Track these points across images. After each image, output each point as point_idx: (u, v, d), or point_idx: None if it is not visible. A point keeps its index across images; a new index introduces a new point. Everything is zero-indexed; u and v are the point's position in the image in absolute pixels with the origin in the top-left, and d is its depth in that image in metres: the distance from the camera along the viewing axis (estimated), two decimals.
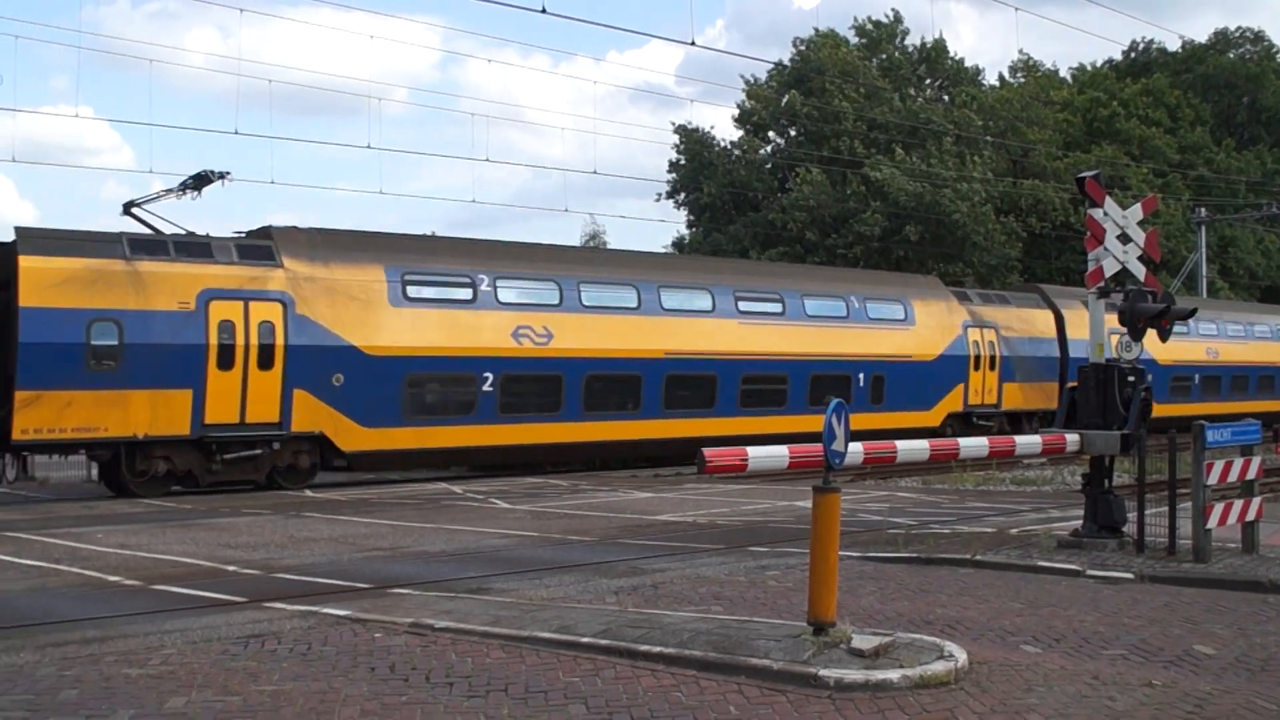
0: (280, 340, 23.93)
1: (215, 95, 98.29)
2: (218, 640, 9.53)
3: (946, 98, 56.85)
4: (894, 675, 7.84)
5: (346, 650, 9.09)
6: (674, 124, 57.47)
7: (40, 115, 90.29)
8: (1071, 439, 13.71)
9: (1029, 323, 38.26)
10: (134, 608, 11.19)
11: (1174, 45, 71.24)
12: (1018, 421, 36.71)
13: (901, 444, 12.43)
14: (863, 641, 8.38)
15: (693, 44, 69.50)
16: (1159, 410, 30.51)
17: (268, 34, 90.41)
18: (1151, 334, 14.28)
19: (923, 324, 35.09)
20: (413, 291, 26.26)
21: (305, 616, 10.42)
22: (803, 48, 56.81)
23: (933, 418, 34.66)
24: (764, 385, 31.29)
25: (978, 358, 35.84)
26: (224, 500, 22.05)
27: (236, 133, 39.00)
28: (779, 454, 10.67)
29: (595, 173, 43.00)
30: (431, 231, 28.37)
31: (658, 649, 8.64)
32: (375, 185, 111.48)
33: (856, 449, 10.46)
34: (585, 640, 9.03)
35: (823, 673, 7.85)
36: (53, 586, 12.58)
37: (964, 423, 35.11)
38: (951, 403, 35.29)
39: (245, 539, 16.31)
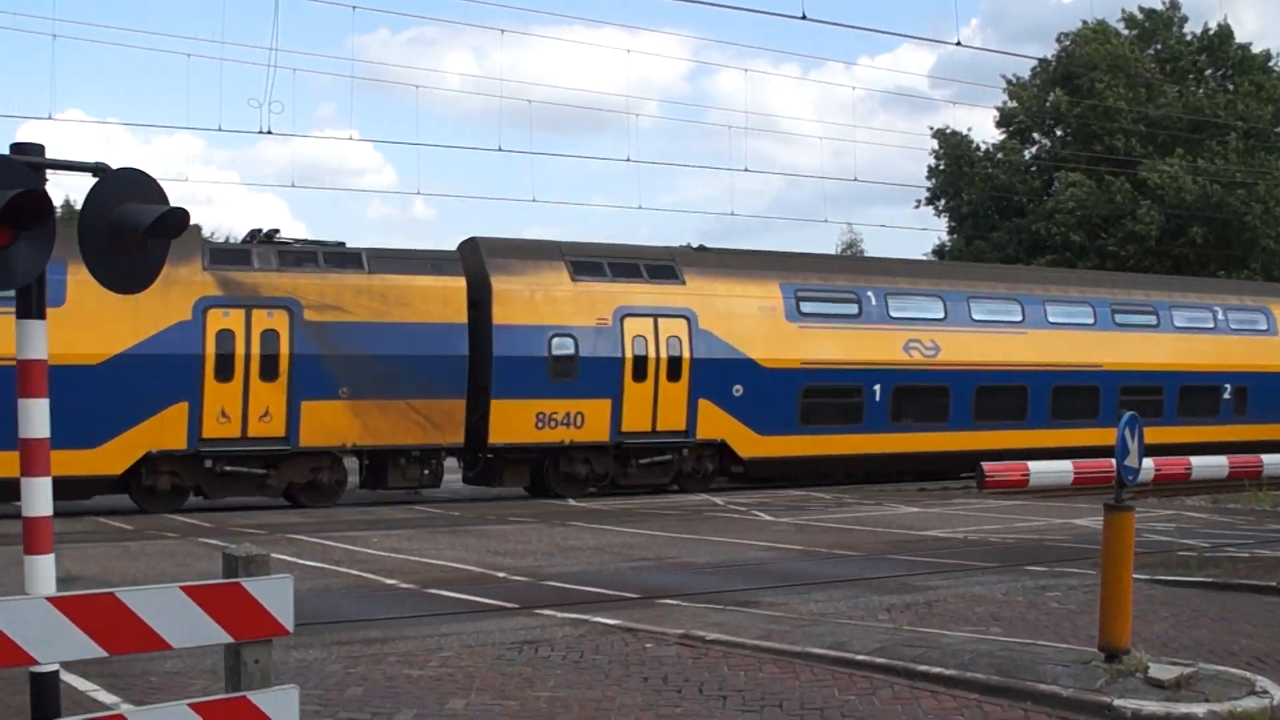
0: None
1: (474, 115, 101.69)
2: (492, 645, 9.66)
3: (1231, 87, 53.34)
4: (1199, 710, 7.23)
5: (618, 659, 9.07)
6: (932, 128, 55.78)
7: (311, 140, 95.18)
8: None
9: None
10: (412, 610, 11.50)
11: None
12: None
13: (1196, 460, 11.66)
14: (1161, 671, 7.77)
15: (958, 44, 66.77)
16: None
17: (523, 53, 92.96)
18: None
19: None
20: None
21: (576, 624, 10.47)
22: (1068, 43, 54.45)
23: None
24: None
25: None
26: (491, 508, 22.62)
27: (500, 149, 39.83)
28: (1062, 469, 10.09)
29: (856, 179, 42.24)
30: (687, 243, 28.66)
31: (937, 669, 8.27)
32: (631, 198, 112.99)
33: (1148, 465, 9.79)
34: (861, 658, 8.73)
35: (1118, 702, 7.32)
36: (335, 587, 13.07)
37: None
38: None
39: (513, 546, 16.63)
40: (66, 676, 7.52)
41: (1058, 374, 30.10)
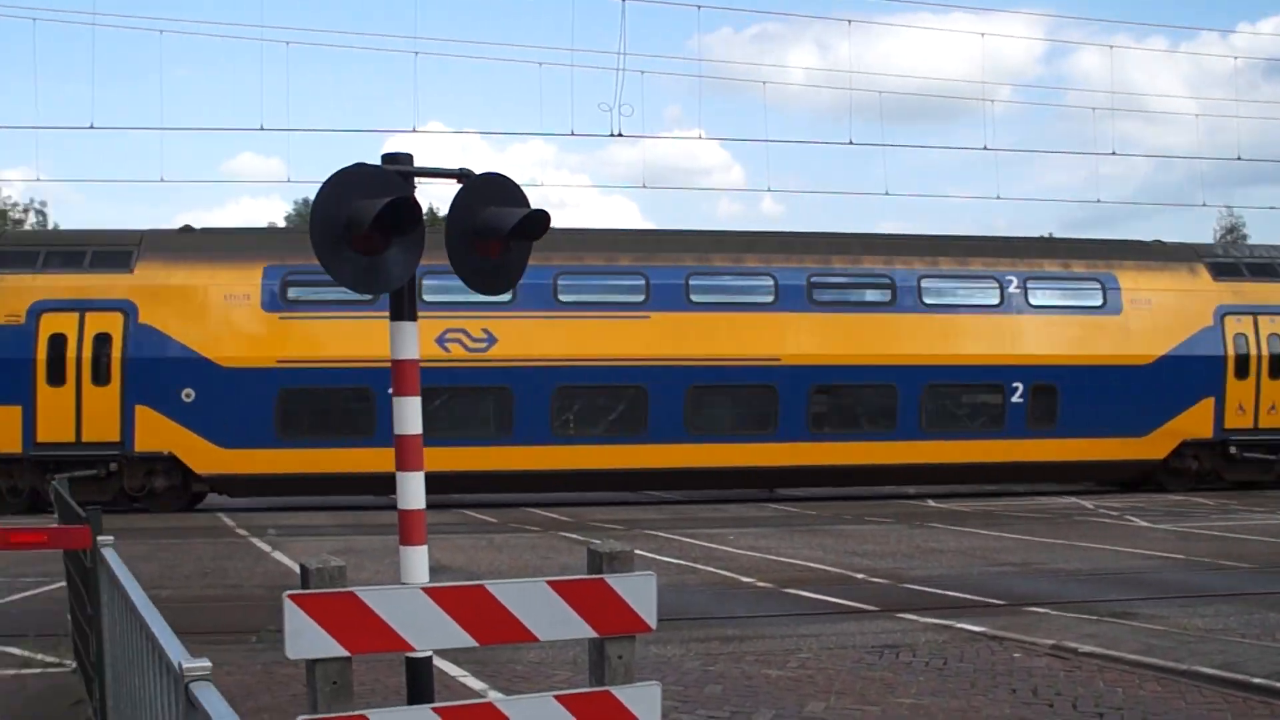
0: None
1: (822, 109, 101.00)
2: (852, 648, 9.44)
3: None
4: None
5: (984, 668, 8.65)
6: None
7: (660, 140, 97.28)
8: None
9: None
10: (769, 609, 11.43)
11: None
12: None
13: None
14: None
15: None
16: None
17: (871, 44, 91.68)
18: None
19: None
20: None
21: (939, 630, 10.10)
22: None
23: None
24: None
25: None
26: (847, 508, 22.30)
27: (850, 143, 39.27)
28: None
29: (1239, 158, 39.00)
30: (1049, 234, 27.14)
31: None
32: (988, 188, 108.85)
33: None
34: (1257, 681, 7.97)
35: None
36: (691, 584, 13.17)
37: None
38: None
39: (871, 547, 16.30)
40: (438, 662, 7.85)
41: (695, 370, 23.51)
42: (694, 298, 23.85)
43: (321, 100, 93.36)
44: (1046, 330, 25.16)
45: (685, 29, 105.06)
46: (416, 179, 5.88)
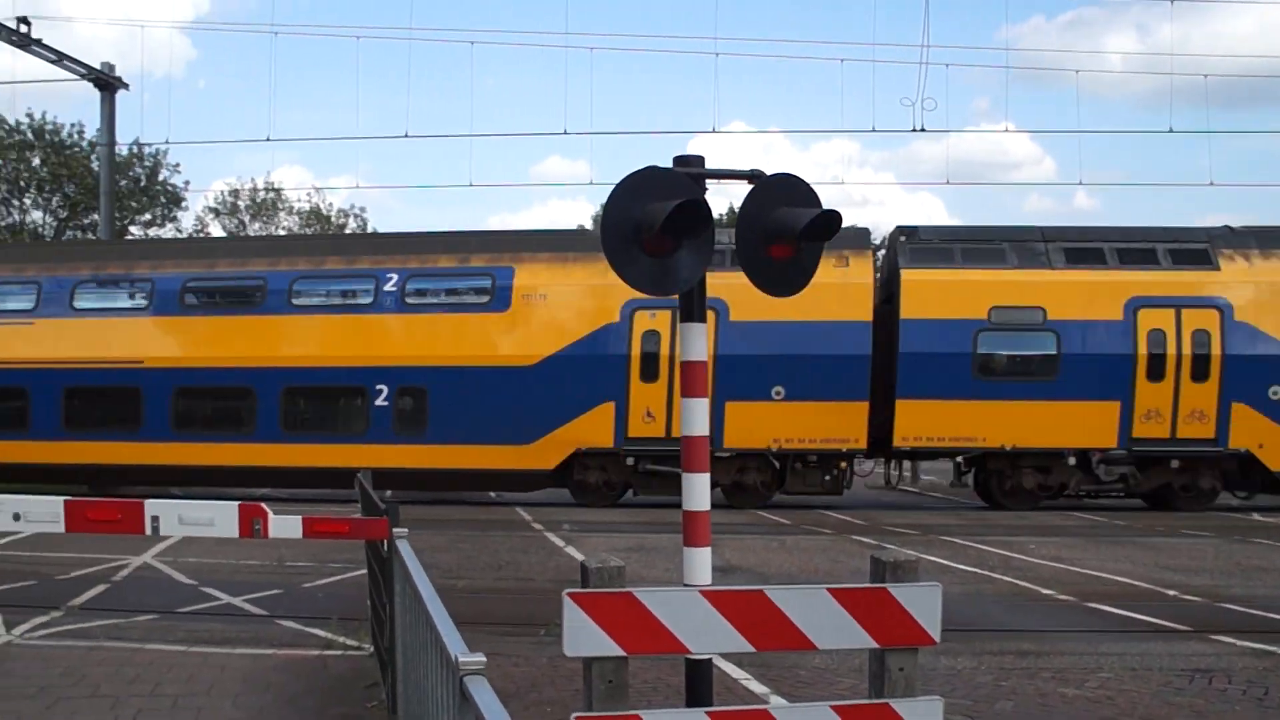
0: None
1: (1141, 97, 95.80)
2: (1159, 670, 8.88)
3: None
4: None
5: None
6: None
7: (965, 135, 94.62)
8: None
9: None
10: (1068, 624, 10.91)
11: None
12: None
13: None
14: None
15: None
16: None
17: (1195, 25, 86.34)
18: None
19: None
20: None
21: (1259, 655, 9.38)
22: None
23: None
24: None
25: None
26: (1159, 519, 21.10)
27: (1170, 130, 37.04)
28: None
29: None
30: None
31: None
32: None
33: None
34: None
35: None
36: (987, 593, 12.72)
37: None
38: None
39: (1184, 562, 15.34)
40: (720, 663, 7.86)
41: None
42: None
43: (624, 103, 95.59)
44: (421, 330, 23.28)
45: (992, 19, 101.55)
46: (709, 180, 5.90)
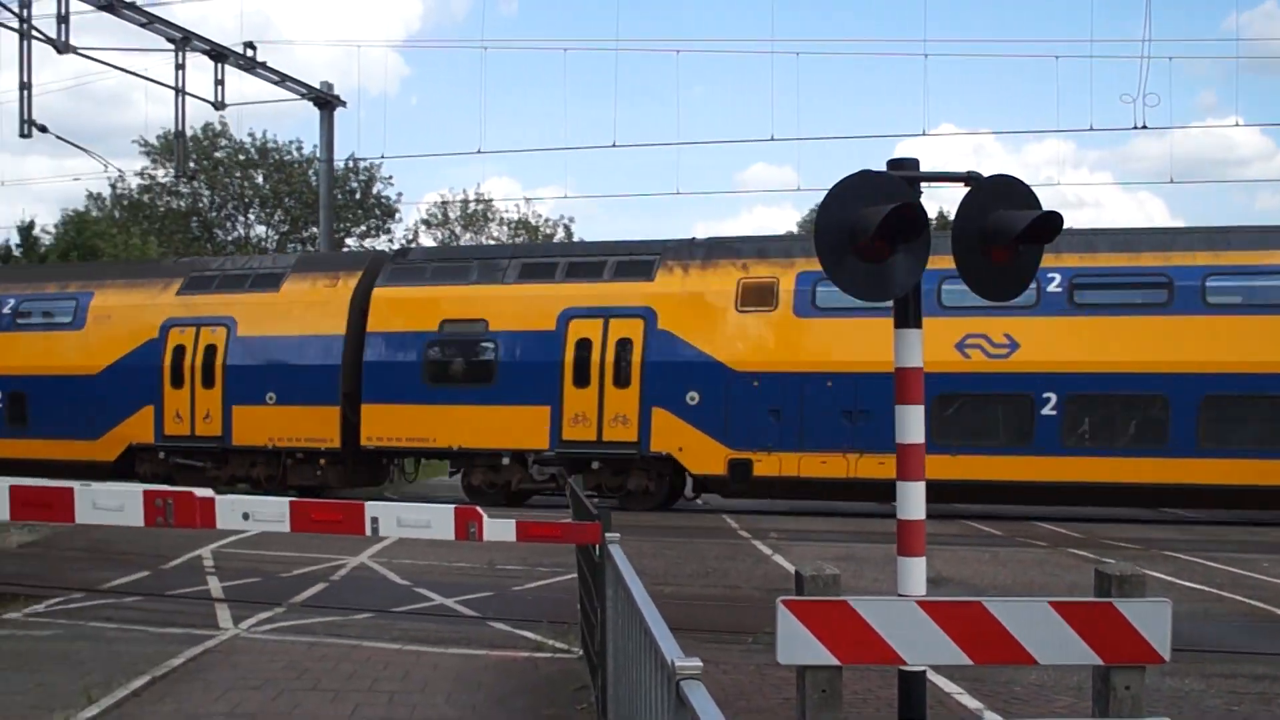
0: None
1: None
2: None
3: None
4: None
5: None
6: None
7: (1190, 131, 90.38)
8: None
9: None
10: None
11: None
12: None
13: None
14: None
15: None
16: None
17: None
18: None
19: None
20: None
21: None
22: None
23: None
24: None
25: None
26: None
27: None
28: None
29: None
30: None
31: None
32: None
33: None
34: None
35: None
36: (1216, 613, 12.10)
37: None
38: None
39: None
40: (933, 676, 7.67)
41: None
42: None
43: (830, 107, 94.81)
44: None
45: (1220, 8, 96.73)
46: (923, 184, 5.80)
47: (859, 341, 20.93)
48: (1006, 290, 5.88)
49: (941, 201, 46.61)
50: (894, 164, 5.74)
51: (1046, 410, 21.55)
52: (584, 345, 23.02)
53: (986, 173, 5.84)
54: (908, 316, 5.61)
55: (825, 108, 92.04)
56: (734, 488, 22.69)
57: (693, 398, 22.32)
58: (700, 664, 3.10)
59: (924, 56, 41.40)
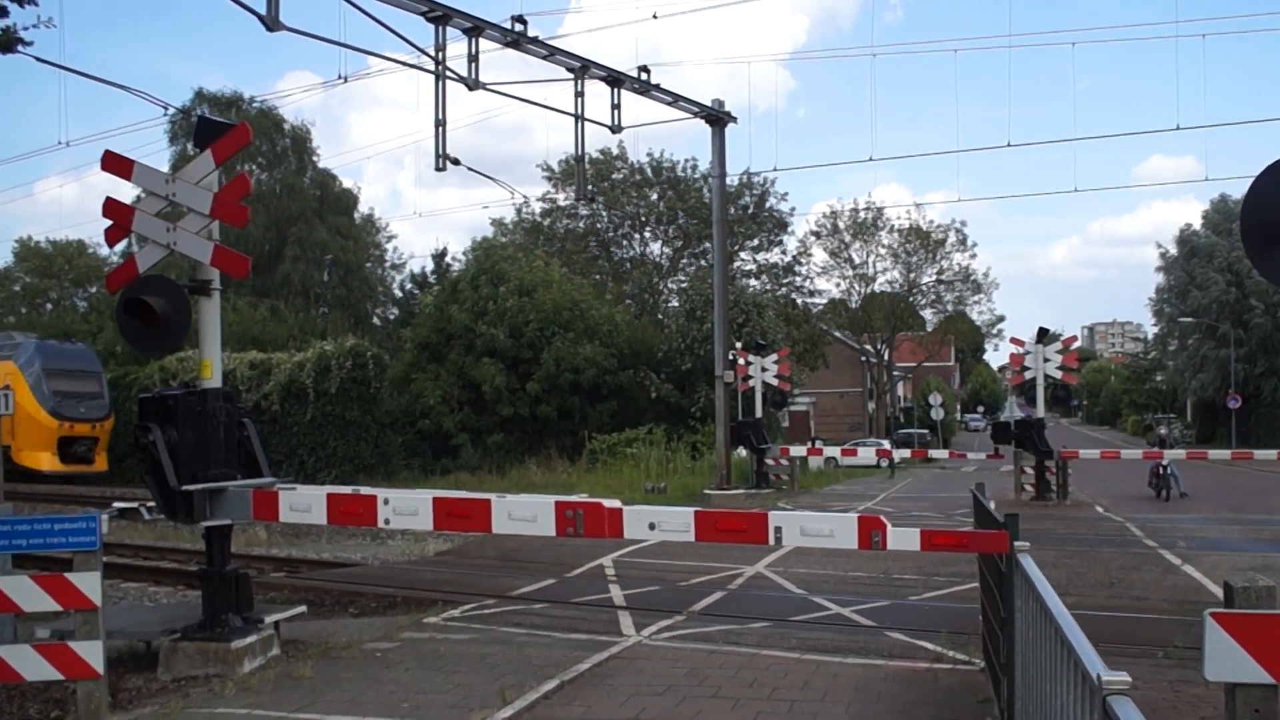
0: None
1: None
2: None
3: None
4: None
5: None
6: None
7: None
8: None
9: None
10: None
11: None
12: None
13: None
14: None
15: None
16: None
17: None
18: None
19: None
20: None
21: None
22: None
23: None
24: None
25: None
26: None
27: None
28: None
29: None
30: None
31: None
32: None
33: None
34: None
35: None
36: None
37: None
38: None
39: None
40: None
41: None
42: None
43: (1240, 92, 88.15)
44: None
45: None
46: None
47: None
48: None
49: None
50: None
51: None
52: None
53: None
54: None
55: (1234, 91, 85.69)
56: None
57: None
58: (1129, 678, 2.99)
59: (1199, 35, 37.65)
